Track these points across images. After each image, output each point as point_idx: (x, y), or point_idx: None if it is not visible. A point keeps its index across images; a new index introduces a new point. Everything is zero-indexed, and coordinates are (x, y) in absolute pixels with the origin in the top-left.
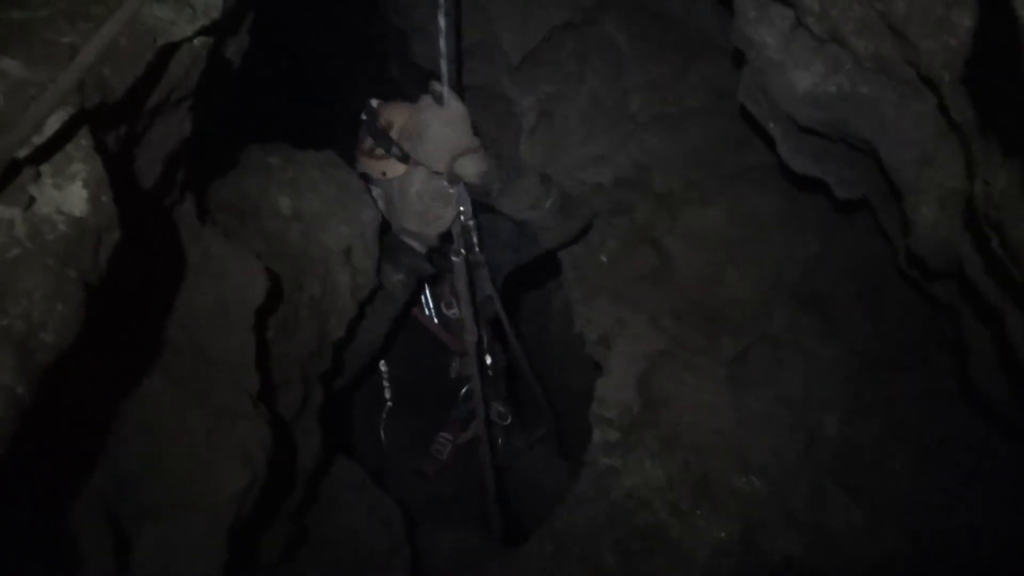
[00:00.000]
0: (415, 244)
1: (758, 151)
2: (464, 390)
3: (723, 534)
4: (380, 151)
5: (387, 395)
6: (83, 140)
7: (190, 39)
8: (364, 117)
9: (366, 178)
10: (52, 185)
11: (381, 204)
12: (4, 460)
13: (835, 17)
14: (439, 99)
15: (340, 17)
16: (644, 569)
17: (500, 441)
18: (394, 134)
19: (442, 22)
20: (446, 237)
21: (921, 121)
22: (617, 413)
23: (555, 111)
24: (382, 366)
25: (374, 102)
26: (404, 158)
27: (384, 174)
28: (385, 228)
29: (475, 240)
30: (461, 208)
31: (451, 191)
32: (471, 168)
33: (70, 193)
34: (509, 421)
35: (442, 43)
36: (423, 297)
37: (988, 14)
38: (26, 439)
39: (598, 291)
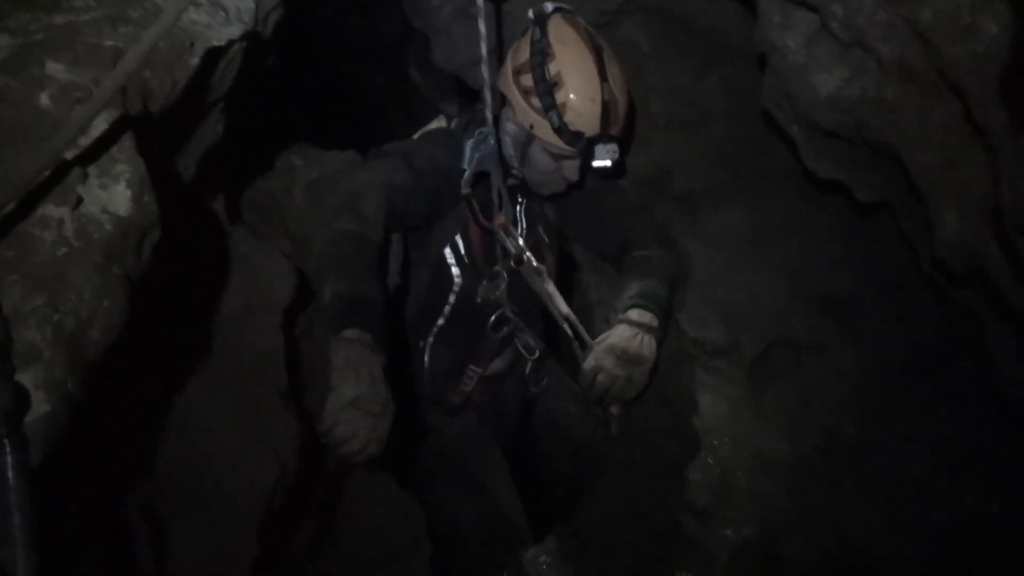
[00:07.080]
0: None
1: (778, 154)
2: (493, 318)
3: (743, 534)
4: None
5: (445, 311)
6: (127, 142)
7: (226, 44)
8: None
9: None
10: (98, 186)
11: None
12: (55, 454)
13: (860, 23)
14: None
15: (359, 20)
16: (663, 569)
17: (527, 373)
18: None
19: (482, 26)
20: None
21: (945, 126)
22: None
23: None
24: (455, 276)
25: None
26: None
27: None
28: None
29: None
30: None
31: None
32: None
33: (115, 193)
34: (537, 355)
35: (483, 42)
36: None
37: (1015, 20)
38: (75, 434)
39: (618, 290)
